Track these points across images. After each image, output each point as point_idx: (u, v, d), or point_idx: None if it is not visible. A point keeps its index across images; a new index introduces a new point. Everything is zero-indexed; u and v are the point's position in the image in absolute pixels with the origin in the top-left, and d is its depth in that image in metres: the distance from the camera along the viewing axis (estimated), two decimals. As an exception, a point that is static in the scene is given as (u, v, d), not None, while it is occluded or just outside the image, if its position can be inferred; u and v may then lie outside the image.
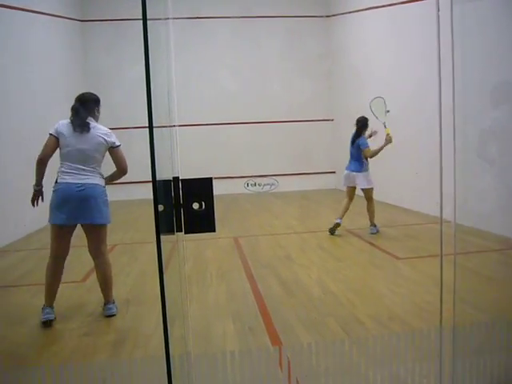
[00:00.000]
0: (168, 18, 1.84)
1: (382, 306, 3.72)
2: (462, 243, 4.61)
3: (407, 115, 8.08)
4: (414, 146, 7.87)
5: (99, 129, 3.83)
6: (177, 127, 1.87)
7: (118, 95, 11.53)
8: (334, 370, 2.52)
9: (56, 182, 3.68)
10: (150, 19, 1.46)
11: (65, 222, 3.70)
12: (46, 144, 3.65)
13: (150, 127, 1.22)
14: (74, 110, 3.79)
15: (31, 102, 7.91)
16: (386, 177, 9.08)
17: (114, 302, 3.85)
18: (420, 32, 7.40)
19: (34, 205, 3.77)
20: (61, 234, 3.77)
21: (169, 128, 1.69)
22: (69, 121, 3.72)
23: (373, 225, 6.59)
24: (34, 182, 3.69)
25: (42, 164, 3.62)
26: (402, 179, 8.37)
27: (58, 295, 3.95)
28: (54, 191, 3.68)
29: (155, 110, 1.29)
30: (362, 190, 6.59)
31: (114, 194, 11.81)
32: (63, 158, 3.68)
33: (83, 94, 3.95)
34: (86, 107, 3.83)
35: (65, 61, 10.45)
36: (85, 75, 11.55)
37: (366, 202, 6.62)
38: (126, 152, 7.18)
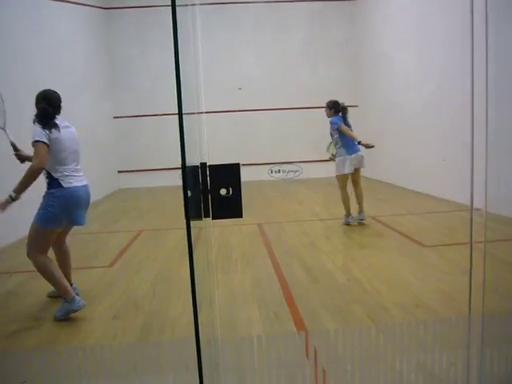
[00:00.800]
0: (194, 5, 1.83)
1: (409, 294, 3.68)
2: (491, 231, 4.52)
3: (435, 101, 7.91)
4: (442, 132, 7.71)
5: (69, 125, 3.79)
6: (204, 114, 1.88)
7: (143, 82, 11.63)
8: (361, 357, 2.52)
9: (56, 186, 3.53)
10: (177, 5, 1.45)
11: (66, 225, 3.76)
12: (40, 153, 3.35)
13: (180, 114, 1.22)
14: (53, 108, 3.64)
15: (58, 90, 8.02)
16: (412, 164, 8.94)
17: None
18: (449, 15, 7.21)
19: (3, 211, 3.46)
20: (54, 236, 3.65)
21: (196, 115, 1.69)
22: (54, 124, 3.54)
23: (362, 211, 6.24)
24: (13, 189, 3.44)
25: (39, 173, 3.42)
26: (429, 166, 8.22)
27: (87, 279, 4.05)
28: (57, 196, 3.52)
29: (184, 96, 1.29)
30: (356, 170, 6.29)
31: (139, 180, 11.98)
32: (60, 162, 3.52)
33: (51, 93, 3.79)
34: (58, 105, 3.75)
35: (90, 48, 10.57)
36: (110, 63, 11.66)
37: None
38: (151, 139, 7.21)
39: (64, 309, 3.49)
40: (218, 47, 11.22)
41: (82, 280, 4.55)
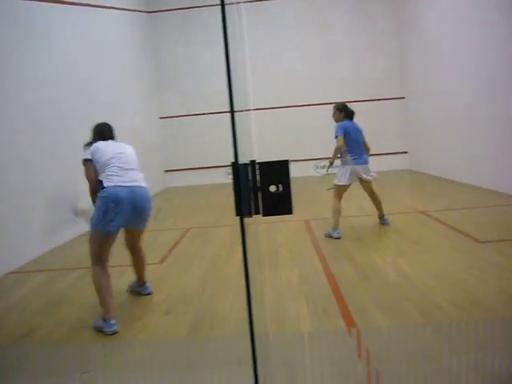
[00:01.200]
0: (239, 2, 1.84)
1: (463, 292, 3.55)
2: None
3: (490, 92, 7.57)
4: (496, 122, 7.38)
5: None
6: (252, 111, 1.88)
7: (188, 83, 11.82)
8: (415, 356, 2.46)
9: (101, 189, 3.70)
10: (226, 4, 1.46)
11: (127, 228, 3.96)
12: (86, 169, 3.76)
13: (232, 111, 1.23)
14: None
15: (104, 95, 8.30)
16: (463, 156, 8.62)
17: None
18: (503, 2, 6.89)
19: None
20: (108, 242, 3.67)
21: (245, 112, 1.69)
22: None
23: (383, 214, 5.87)
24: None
25: (92, 184, 3.83)
26: (483, 158, 7.89)
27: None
28: (100, 197, 3.69)
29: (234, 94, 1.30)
30: (366, 181, 5.75)
31: (186, 179, 12.19)
32: (105, 164, 3.73)
33: (102, 126, 4.16)
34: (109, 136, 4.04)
35: (136, 51, 10.85)
36: (155, 64, 11.93)
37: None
38: (196, 138, 7.38)
39: (98, 324, 3.37)
40: (261, 43, 11.24)
41: (134, 277, 4.69)
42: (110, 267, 3.51)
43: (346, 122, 5.62)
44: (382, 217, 5.93)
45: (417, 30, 10.79)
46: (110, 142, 3.85)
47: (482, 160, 7.93)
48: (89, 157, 3.63)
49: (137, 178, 3.83)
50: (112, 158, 3.65)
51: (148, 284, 4.12)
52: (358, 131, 5.70)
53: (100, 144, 3.72)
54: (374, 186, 5.85)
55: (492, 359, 2.39)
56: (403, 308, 3.32)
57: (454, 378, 2.33)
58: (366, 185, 5.80)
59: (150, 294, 4.04)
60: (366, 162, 5.70)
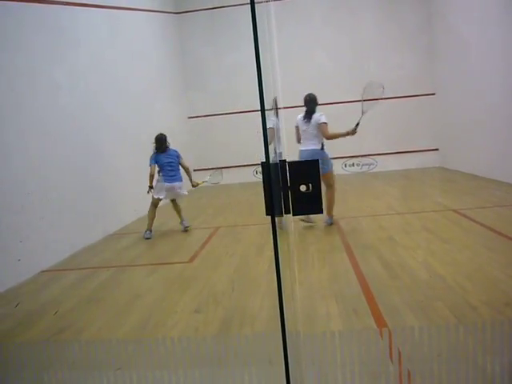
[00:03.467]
0: (269, 1, 1.84)
1: (498, 292, 3.47)
2: None
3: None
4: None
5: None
6: (281, 109, 1.89)
7: (216, 83, 11.88)
8: (448, 357, 2.42)
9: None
10: (256, 2, 1.47)
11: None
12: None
13: (262, 110, 1.24)
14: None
15: (134, 96, 8.45)
16: (496, 152, 8.40)
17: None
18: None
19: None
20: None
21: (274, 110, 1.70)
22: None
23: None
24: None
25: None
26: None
27: (168, 275, 4.23)
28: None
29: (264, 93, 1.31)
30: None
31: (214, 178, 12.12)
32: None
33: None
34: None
35: (164, 52, 11.00)
36: (183, 65, 12.06)
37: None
38: (224, 137, 7.45)
39: None
40: (289, 42, 11.20)
41: (163, 275, 4.77)
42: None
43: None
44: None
45: (446, 27, 10.56)
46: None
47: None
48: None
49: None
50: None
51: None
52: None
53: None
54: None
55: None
56: (435, 308, 3.26)
57: (488, 380, 2.29)
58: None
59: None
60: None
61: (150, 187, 6.44)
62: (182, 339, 2.93)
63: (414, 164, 11.33)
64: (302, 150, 5.89)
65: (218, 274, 4.63)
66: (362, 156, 11.75)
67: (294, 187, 1.58)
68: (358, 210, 7.21)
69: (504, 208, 6.37)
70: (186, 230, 6.63)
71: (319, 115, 5.98)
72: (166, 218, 7.94)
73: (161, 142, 6.48)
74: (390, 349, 2.50)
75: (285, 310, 1.40)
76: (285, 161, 1.56)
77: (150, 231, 6.46)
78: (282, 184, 1.56)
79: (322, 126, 5.86)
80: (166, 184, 6.45)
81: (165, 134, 6.61)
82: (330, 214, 6.04)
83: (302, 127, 5.96)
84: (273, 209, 1.34)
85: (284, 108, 2.07)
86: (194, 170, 12.36)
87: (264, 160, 1.40)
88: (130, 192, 7.78)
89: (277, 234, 1.35)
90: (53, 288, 4.60)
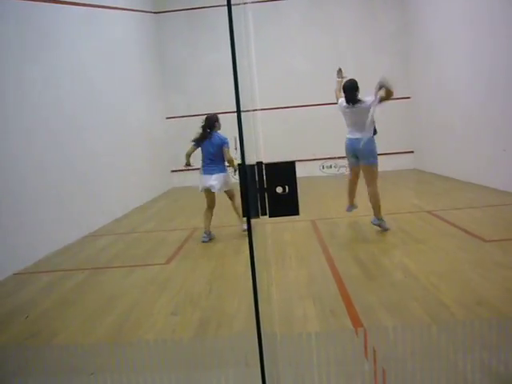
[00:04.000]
0: (246, 3, 1.84)
1: (470, 291, 3.54)
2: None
3: (492, 91, 7.55)
4: (501, 122, 7.36)
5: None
6: (258, 111, 1.90)
7: (194, 83, 11.84)
8: (421, 356, 2.46)
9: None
10: (232, 4, 1.47)
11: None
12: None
13: (238, 112, 1.24)
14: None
15: (112, 96, 8.35)
16: (469, 155, 8.59)
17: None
18: (503, 2, 6.87)
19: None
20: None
21: (251, 112, 1.70)
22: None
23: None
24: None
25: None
26: (488, 157, 7.86)
27: (145, 277, 4.19)
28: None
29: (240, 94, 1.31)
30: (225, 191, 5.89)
31: (192, 179, 12.21)
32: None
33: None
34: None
35: (142, 52, 10.90)
36: (161, 65, 11.97)
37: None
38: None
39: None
40: (267, 44, 11.23)
41: (139, 277, 4.72)
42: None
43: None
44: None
45: (421, 31, 10.77)
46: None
47: (488, 159, 7.90)
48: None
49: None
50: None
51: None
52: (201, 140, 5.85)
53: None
54: None
55: (497, 358, 2.39)
56: (409, 307, 3.32)
57: (460, 378, 2.34)
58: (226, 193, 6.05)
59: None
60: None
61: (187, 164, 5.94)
62: (158, 342, 2.91)
63: (390, 166, 11.47)
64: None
65: (195, 275, 4.61)
66: (340, 158, 11.86)
67: (271, 189, 1.58)
68: (335, 211, 7.26)
69: (476, 209, 6.52)
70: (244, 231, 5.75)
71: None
72: (145, 219, 7.88)
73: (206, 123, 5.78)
74: (366, 348, 2.53)
75: (260, 312, 1.40)
76: (261, 162, 1.57)
77: (207, 233, 5.82)
78: (259, 186, 1.56)
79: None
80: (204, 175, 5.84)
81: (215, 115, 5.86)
82: (377, 215, 5.50)
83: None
84: (248, 210, 1.34)
85: (261, 110, 2.08)
86: (172, 171, 12.31)
87: (240, 162, 1.40)
88: (107, 192, 7.69)
89: (252, 235, 1.35)
90: (25, 291, 4.50)
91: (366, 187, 5.51)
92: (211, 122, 5.79)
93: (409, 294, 3.59)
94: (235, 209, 6.00)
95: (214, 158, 5.75)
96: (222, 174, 5.77)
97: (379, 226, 5.51)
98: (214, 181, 5.74)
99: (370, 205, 5.62)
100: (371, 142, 5.37)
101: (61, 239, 6.11)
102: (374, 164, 5.44)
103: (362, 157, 5.39)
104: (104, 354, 2.80)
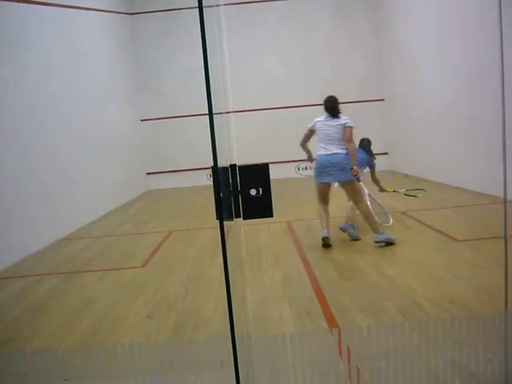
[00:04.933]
0: (219, 5, 1.85)
1: (442, 290, 3.62)
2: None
3: (464, 93, 7.73)
4: (472, 123, 7.54)
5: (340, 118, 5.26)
6: (232, 113, 1.90)
7: (169, 86, 11.77)
8: (394, 354, 2.50)
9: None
10: (204, 6, 1.47)
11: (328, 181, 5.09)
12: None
13: (210, 114, 1.24)
14: (327, 109, 5.29)
15: (84, 98, 8.23)
16: (442, 157, 8.78)
17: None
18: (474, 5, 7.05)
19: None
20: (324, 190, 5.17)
21: (225, 115, 1.71)
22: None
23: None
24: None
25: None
26: (460, 158, 8.05)
27: (121, 280, 4.14)
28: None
29: (213, 96, 1.31)
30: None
31: (168, 181, 12.12)
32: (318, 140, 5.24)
33: (326, 99, 5.40)
34: (330, 106, 5.29)
35: (116, 54, 10.78)
36: (136, 67, 11.86)
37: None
38: (178, 140, 7.44)
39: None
40: (242, 47, 11.25)
41: (115, 280, 4.66)
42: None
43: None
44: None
45: (395, 34, 10.97)
46: (325, 122, 5.27)
47: (459, 160, 8.08)
48: (309, 127, 5.42)
49: (331, 150, 5.11)
50: (321, 137, 5.29)
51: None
52: None
53: (316, 123, 5.37)
54: None
55: (468, 356, 2.45)
56: (384, 307, 3.37)
57: (432, 375, 2.38)
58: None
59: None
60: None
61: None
62: (133, 346, 2.87)
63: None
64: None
65: (171, 278, 4.58)
66: (315, 159, 11.96)
67: (244, 191, 1.59)
68: (311, 212, 7.31)
69: (448, 210, 6.67)
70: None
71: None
72: (120, 222, 7.79)
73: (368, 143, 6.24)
74: (340, 348, 2.56)
75: (235, 314, 1.40)
76: (235, 165, 1.58)
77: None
78: (233, 188, 1.57)
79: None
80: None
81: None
82: (377, 231, 5.07)
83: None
84: (221, 213, 1.35)
85: (235, 112, 2.08)
86: (147, 174, 12.22)
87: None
88: (81, 195, 7.57)
89: (225, 238, 1.35)
90: (-3, 296, 4.40)
91: (355, 205, 5.19)
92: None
93: (383, 294, 3.64)
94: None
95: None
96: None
97: (384, 241, 4.98)
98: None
99: (344, 205, 5.69)
100: (348, 157, 5.00)
101: (35, 243, 5.99)
102: (350, 181, 5.00)
103: (340, 173, 4.97)
104: (79, 359, 2.76)
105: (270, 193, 1.59)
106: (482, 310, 3.17)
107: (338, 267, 4.41)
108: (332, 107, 5.21)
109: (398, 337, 2.73)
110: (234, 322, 1.39)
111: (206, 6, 1.53)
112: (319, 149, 5.20)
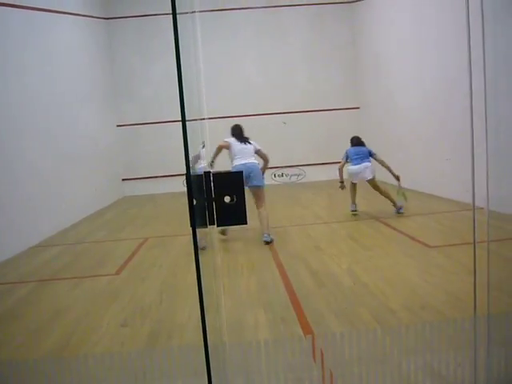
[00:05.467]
0: (194, 12, 1.86)
1: (414, 296, 3.69)
2: (496, 230, 4.51)
3: (436, 102, 7.92)
4: (444, 132, 7.72)
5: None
6: (206, 120, 1.91)
7: (145, 91, 11.69)
8: (367, 360, 2.53)
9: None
10: (178, 13, 1.48)
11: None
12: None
13: (183, 121, 1.24)
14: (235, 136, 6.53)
15: (59, 102, 8.10)
16: (415, 165, 8.94)
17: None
18: (447, 17, 7.23)
19: None
20: None
21: (199, 122, 1.71)
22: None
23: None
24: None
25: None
26: (433, 166, 8.22)
27: (94, 288, 4.08)
28: None
29: (186, 103, 1.31)
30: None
31: (143, 188, 11.98)
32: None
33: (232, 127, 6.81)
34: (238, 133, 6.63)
35: (92, 58, 10.64)
36: (112, 72, 11.74)
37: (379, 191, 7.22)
38: (154, 146, 7.39)
39: None
40: (218, 53, 11.26)
41: (88, 288, 4.59)
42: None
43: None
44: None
45: (368, 43, 11.17)
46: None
47: (433, 169, 8.25)
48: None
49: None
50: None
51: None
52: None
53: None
54: None
55: (439, 360, 2.50)
56: (358, 313, 3.41)
57: (404, 379, 2.42)
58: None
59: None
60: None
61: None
62: (106, 356, 2.83)
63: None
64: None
65: (145, 285, 4.53)
66: (291, 166, 12.04)
67: (219, 199, 1.60)
68: (287, 219, 7.37)
69: (421, 216, 6.80)
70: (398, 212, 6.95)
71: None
72: (94, 229, 7.67)
73: (358, 140, 7.50)
74: (314, 354, 2.58)
75: (208, 322, 1.40)
76: (209, 172, 1.58)
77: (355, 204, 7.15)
78: (207, 195, 1.57)
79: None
80: (355, 167, 7.04)
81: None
82: (268, 232, 5.86)
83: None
84: (194, 220, 1.35)
85: (210, 119, 2.09)
86: (123, 180, 12.07)
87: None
88: (53, 202, 7.43)
89: (197, 246, 1.35)
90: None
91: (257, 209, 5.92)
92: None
93: (357, 300, 3.68)
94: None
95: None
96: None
97: (270, 241, 5.76)
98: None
99: (318, 213, 5.77)
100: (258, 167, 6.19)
101: (5, 251, 5.84)
102: (263, 186, 6.10)
103: (252, 179, 5.89)
104: (49, 369, 2.70)
105: (244, 201, 1.60)
106: (452, 315, 3.24)
107: (313, 273, 4.44)
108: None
109: (370, 342, 2.76)
110: (207, 330, 1.39)
111: (180, 13, 1.53)
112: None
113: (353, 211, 7.17)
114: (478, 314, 2.29)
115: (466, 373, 2.35)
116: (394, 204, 7.00)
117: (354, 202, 7.18)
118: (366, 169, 7.05)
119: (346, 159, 7.26)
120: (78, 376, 2.55)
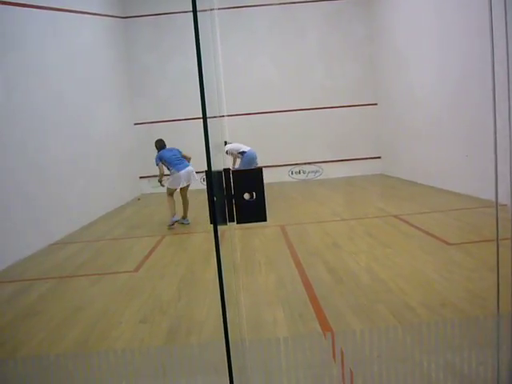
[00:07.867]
0: (213, 9, 1.85)
1: (434, 293, 3.64)
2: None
3: (457, 98, 7.80)
4: (464, 128, 7.60)
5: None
6: (225, 118, 1.90)
7: (163, 89, 11.76)
8: (387, 357, 2.51)
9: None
10: (198, 11, 1.48)
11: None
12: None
13: (204, 118, 1.24)
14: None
15: (78, 102, 8.20)
16: (434, 161, 8.83)
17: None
18: (466, 12, 7.11)
19: None
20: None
21: (218, 119, 1.71)
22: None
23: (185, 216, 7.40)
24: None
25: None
26: (452, 163, 8.11)
27: (113, 285, 4.11)
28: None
29: (206, 100, 1.31)
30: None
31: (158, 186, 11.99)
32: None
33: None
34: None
35: (110, 57, 10.75)
36: (129, 70, 11.84)
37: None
38: (170, 144, 7.49)
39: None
40: (236, 51, 11.28)
41: (107, 285, 4.64)
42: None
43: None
44: (184, 218, 7.37)
45: (387, 38, 11.04)
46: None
47: (451, 165, 8.14)
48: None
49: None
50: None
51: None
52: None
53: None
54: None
55: (461, 358, 2.47)
56: (376, 310, 3.38)
57: (425, 378, 2.39)
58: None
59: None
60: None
61: (160, 181, 7.24)
62: (126, 351, 2.86)
63: (358, 171, 11.70)
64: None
65: (164, 283, 4.57)
66: (308, 163, 11.99)
67: (238, 196, 1.59)
68: (304, 216, 7.34)
69: (440, 213, 6.71)
70: (182, 223, 7.30)
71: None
72: (112, 227, 7.75)
73: (161, 142, 7.34)
74: (334, 351, 2.56)
75: (228, 319, 1.40)
76: (228, 169, 1.58)
77: (175, 215, 7.16)
78: (226, 192, 1.57)
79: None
80: (182, 171, 7.03)
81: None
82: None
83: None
84: (215, 217, 1.35)
85: (228, 116, 2.09)
86: (140, 178, 12.17)
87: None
88: (73, 200, 7.53)
89: (219, 242, 1.35)
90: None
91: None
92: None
93: (376, 297, 3.65)
94: (186, 204, 7.44)
95: (180, 158, 7.33)
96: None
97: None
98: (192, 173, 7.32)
99: (335, 210, 5.72)
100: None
101: (26, 248, 5.95)
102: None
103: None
104: (70, 365, 2.74)
105: (264, 197, 1.60)
106: (473, 313, 3.19)
107: (331, 270, 4.42)
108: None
109: (390, 339, 2.74)
110: (228, 327, 1.39)
111: (200, 11, 1.53)
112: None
113: None
114: (500, 312, 2.25)
115: (488, 372, 2.31)
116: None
117: None
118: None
119: None
120: (98, 371, 2.58)
